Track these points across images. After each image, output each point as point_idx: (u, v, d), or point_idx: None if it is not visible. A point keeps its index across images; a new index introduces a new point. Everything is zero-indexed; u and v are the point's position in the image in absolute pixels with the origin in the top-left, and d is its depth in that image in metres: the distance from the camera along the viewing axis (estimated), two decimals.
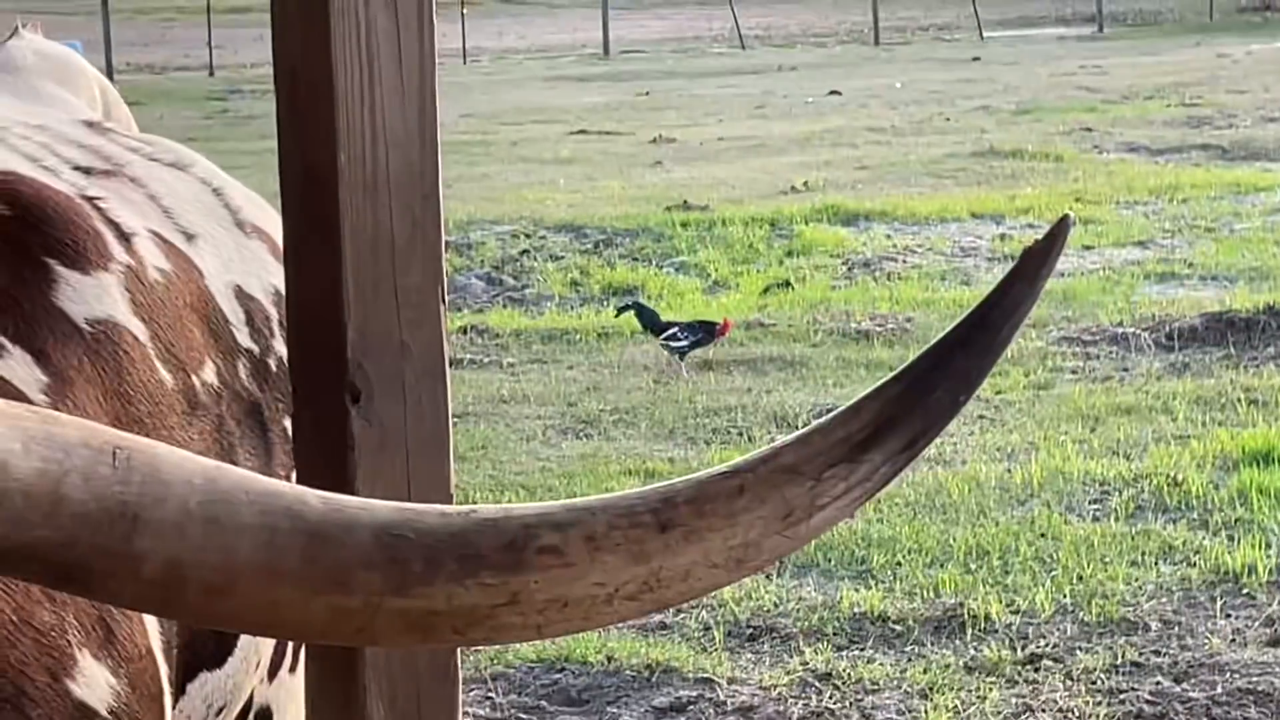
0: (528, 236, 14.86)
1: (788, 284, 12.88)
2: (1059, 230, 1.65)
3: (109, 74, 30.86)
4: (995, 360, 1.67)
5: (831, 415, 1.62)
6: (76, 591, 1.57)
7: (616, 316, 11.62)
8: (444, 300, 2.02)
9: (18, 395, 2.32)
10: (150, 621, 2.39)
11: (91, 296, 2.54)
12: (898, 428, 1.61)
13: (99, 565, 1.49)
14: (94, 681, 2.23)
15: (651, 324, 10.98)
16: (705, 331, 10.83)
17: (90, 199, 2.73)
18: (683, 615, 6.83)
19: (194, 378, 2.66)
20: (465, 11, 44.21)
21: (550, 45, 46.11)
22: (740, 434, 9.22)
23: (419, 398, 2.00)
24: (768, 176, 18.13)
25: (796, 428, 9.24)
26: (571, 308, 12.69)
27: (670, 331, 10.78)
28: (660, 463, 8.71)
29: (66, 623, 2.23)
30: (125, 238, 2.70)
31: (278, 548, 1.51)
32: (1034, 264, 1.63)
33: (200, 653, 2.59)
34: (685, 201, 16.14)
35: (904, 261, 13.69)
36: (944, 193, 16.77)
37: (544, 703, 6.20)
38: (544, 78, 35.13)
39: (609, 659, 6.40)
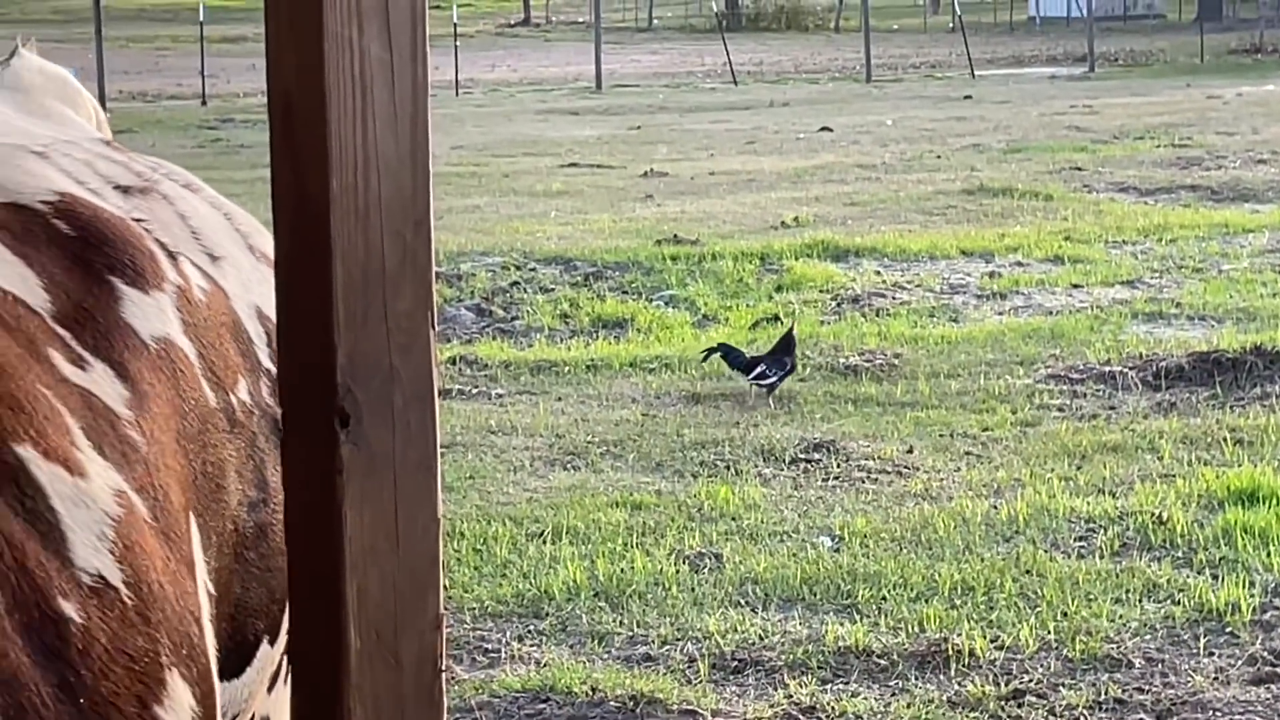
0: (518, 268, 14.88)
1: (777, 318, 12.90)
2: None
3: (102, 102, 30.84)
4: None
5: None
6: None
7: (704, 360, 11.42)
8: (434, 326, 2.04)
9: (103, 409, 2.37)
10: (208, 629, 2.41)
11: (153, 314, 2.60)
12: None
13: None
14: (179, 704, 2.25)
15: (739, 364, 10.95)
16: (787, 353, 10.85)
17: (138, 220, 2.78)
18: (668, 647, 6.83)
19: (231, 395, 2.73)
20: (458, 43, 44.27)
21: (543, 78, 46.14)
22: (728, 467, 9.23)
23: (408, 422, 2.01)
24: (758, 211, 18.16)
25: (784, 462, 9.27)
26: (560, 340, 12.70)
27: (759, 369, 10.79)
28: (648, 495, 8.72)
29: (160, 644, 2.24)
30: (172, 257, 2.76)
31: None
32: None
33: (224, 664, 2.62)
34: (675, 235, 16.17)
35: (893, 298, 13.72)
36: (933, 230, 16.81)
37: None
38: (536, 111, 35.17)
39: (593, 689, 6.40)
